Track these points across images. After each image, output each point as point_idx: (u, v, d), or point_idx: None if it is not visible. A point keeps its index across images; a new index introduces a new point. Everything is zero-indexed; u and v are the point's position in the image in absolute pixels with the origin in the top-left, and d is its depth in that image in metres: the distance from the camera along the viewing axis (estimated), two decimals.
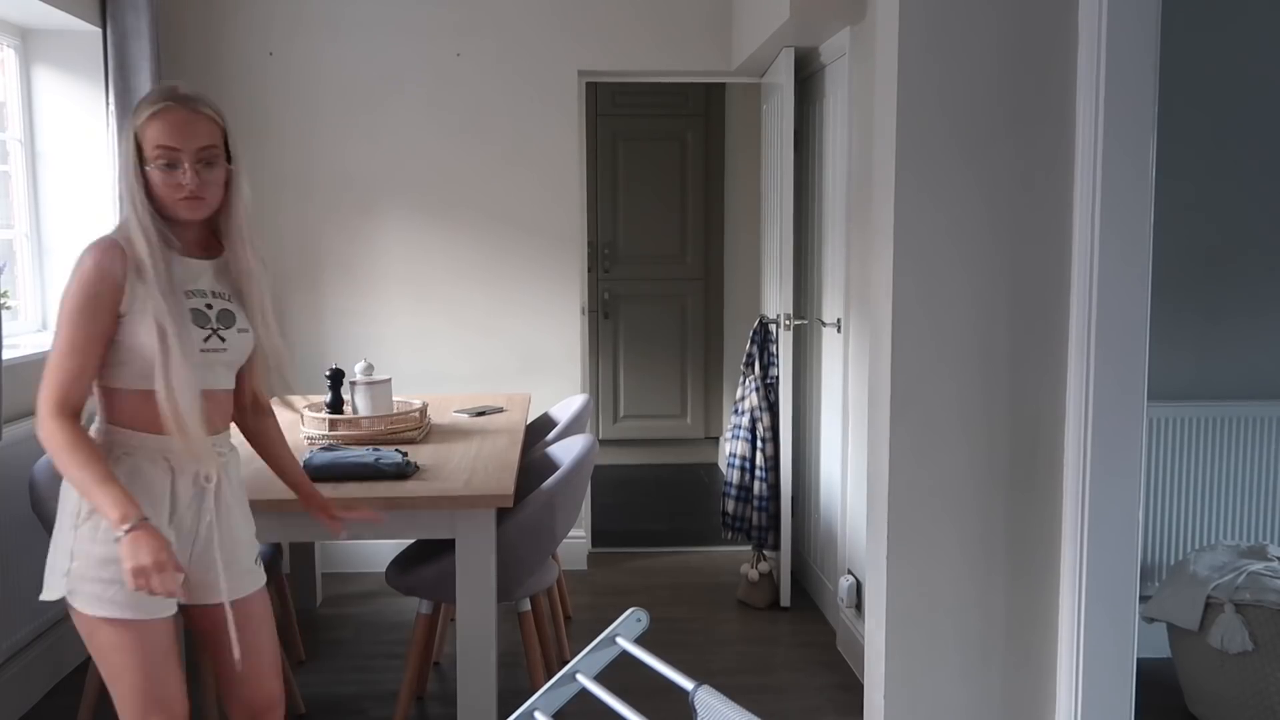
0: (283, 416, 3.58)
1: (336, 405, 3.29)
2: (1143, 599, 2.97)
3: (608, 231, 6.56)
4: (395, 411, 3.27)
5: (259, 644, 2.08)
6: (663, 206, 6.56)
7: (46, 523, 2.77)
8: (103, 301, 1.88)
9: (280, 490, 2.59)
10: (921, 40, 2.29)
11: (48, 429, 1.89)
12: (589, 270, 5.00)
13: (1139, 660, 2.36)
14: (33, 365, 3.41)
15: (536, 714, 1.12)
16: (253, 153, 4.35)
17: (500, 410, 3.67)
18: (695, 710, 1.10)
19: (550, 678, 1.14)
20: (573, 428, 3.59)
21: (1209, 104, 3.41)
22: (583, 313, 4.53)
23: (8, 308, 3.70)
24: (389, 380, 3.30)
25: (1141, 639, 2.41)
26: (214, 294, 2.00)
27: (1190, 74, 3.38)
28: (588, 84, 4.61)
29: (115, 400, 1.95)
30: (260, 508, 2.52)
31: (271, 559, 3.11)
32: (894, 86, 2.31)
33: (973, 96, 2.30)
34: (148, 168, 1.89)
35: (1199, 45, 3.39)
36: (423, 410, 3.30)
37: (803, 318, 4.25)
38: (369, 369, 3.28)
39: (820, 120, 3.99)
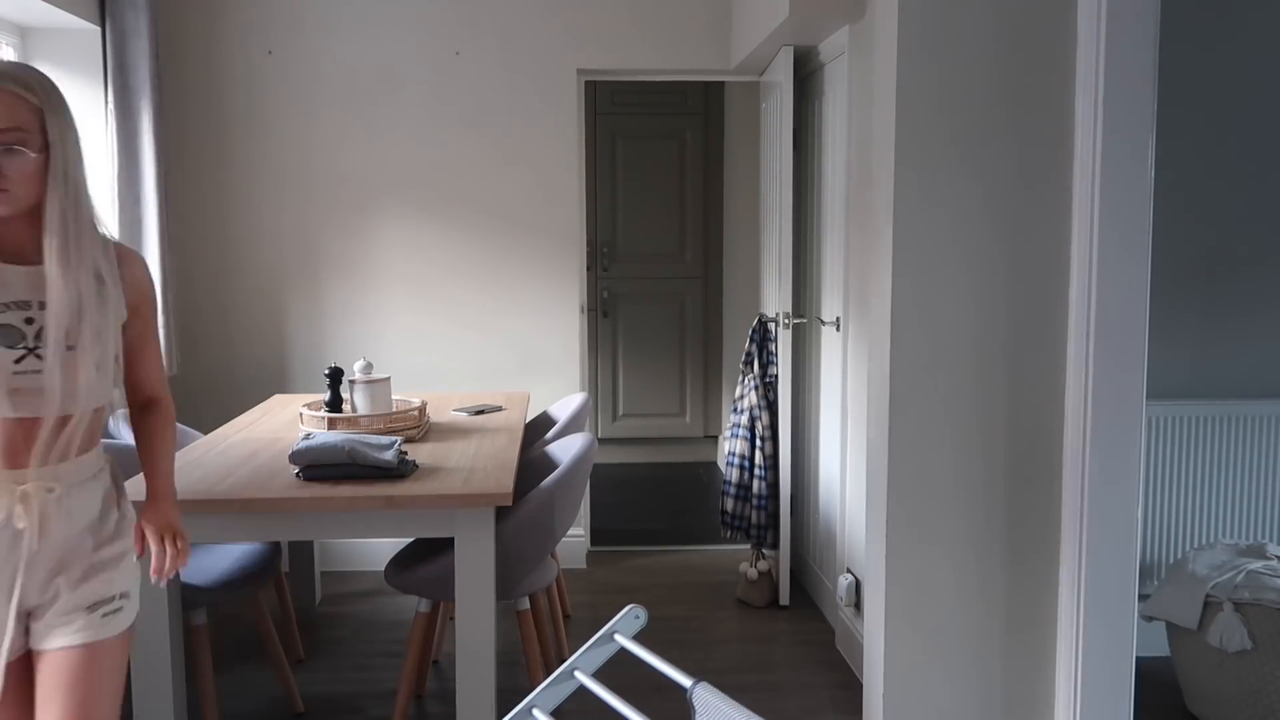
0: (279, 417, 3.60)
1: (335, 404, 3.30)
2: (1142, 597, 2.97)
3: (607, 230, 6.56)
4: (394, 410, 3.27)
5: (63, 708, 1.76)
6: (662, 205, 6.56)
7: None
8: None
9: (278, 489, 2.59)
10: (920, 39, 2.29)
11: None
12: (588, 269, 5.00)
13: (1138, 659, 2.36)
14: None
15: (535, 711, 1.12)
16: (252, 151, 4.36)
17: (499, 409, 3.67)
18: (694, 707, 1.10)
19: (549, 676, 1.14)
20: (572, 426, 3.59)
21: (1208, 103, 3.41)
22: (582, 311, 4.53)
23: None
24: (388, 379, 3.30)
25: (1140, 638, 2.42)
26: (40, 306, 1.71)
27: (1189, 73, 3.38)
28: (587, 83, 4.61)
29: None
30: (259, 506, 2.53)
31: (270, 558, 3.11)
32: (893, 85, 2.31)
33: (972, 95, 2.30)
34: None
35: (1198, 44, 3.39)
36: (422, 409, 3.30)
37: (802, 316, 4.25)
38: (368, 367, 3.28)
39: (819, 119, 3.99)
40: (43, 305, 1.70)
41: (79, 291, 1.71)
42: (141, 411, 2.00)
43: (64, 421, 1.73)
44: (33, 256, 1.72)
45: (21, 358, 1.69)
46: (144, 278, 1.88)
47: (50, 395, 1.71)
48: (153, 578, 1.87)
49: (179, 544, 1.89)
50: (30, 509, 1.71)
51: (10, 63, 1.70)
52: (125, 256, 1.85)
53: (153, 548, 1.87)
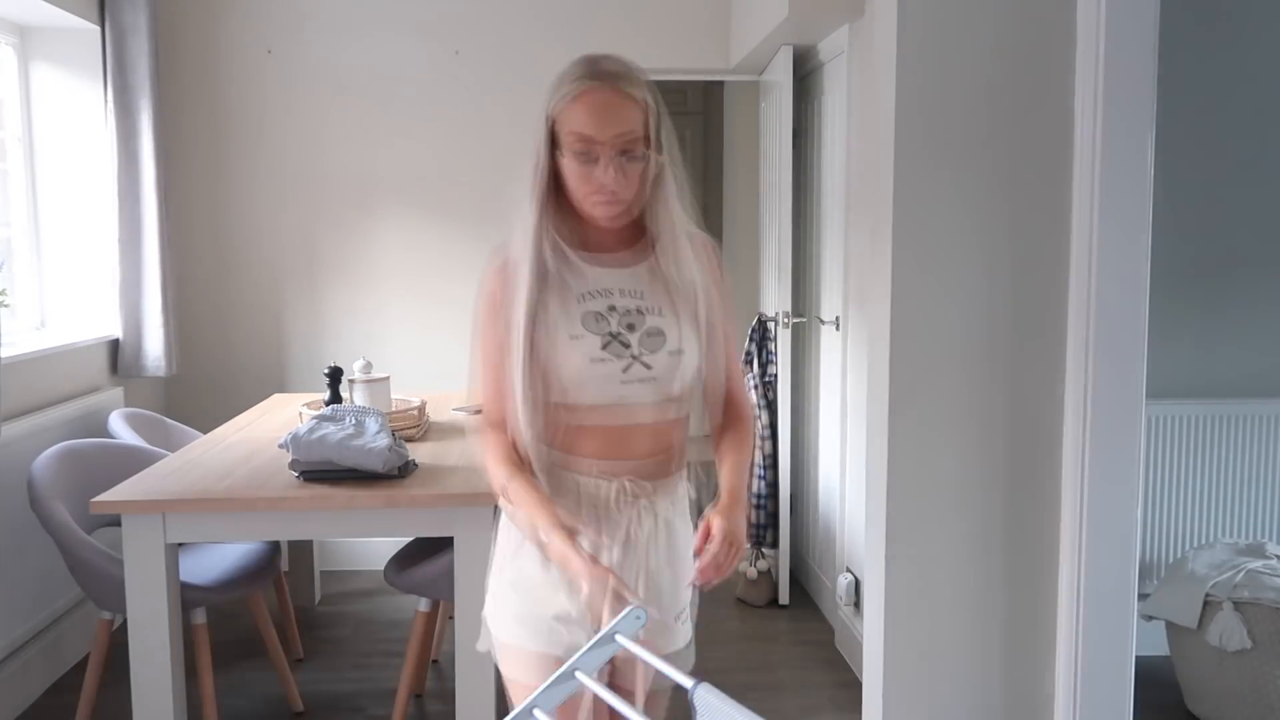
0: (279, 417, 3.59)
1: (335, 403, 3.29)
2: (1141, 597, 2.97)
3: None
4: (394, 409, 3.26)
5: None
6: None
7: (45, 522, 2.77)
8: (491, 307, 1.67)
9: (277, 488, 2.59)
10: (920, 37, 2.29)
11: (480, 444, 1.72)
12: None
13: (1137, 658, 2.36)
14: (31, 363, 3.41)
15: (536, 711, 1.12)
16: (251, 150, 4.36)
17: None
18: (695, 708, 1.09)
19: None
20: None
21: (1208, 100, 3.41)
22: None
23: (6, 305, 3.70)
24: (388, 378, 3.30)
25: (1140, 637, 2.42)
26: (633, 294, 1.68)
27: (1189, 71, 3.38)
28: None
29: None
30: (259, 506, 2.53)
31: (270, 557, 3.11)
32: (892, 84, 2.31)
33: (971, 94, 2.30)
34: (562, 156, 1.62)
35: (1197, 42, 3.39)
36: (421, 408, 3.30)
37: (801, 315, 4.24)
38: (368, 367, 3.28)
39: (819, 118, 3.98)
40: (625, 293, 1.67)
41: (674, 295, 1.68)
42: (725, 414, 1.82)
43: (660, 428, 1.69)
44: (620, 258, 1.69)
45: (606, 344, 1.64)
46: (715, 263, 1.78)
47: (652, 393, 1.66)
48: (699, 579, 1.61)
49: (734, 552, 1.64)
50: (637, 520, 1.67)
51: (611, 58, 1.64)
52: (698, 243, 1.74)
53: (714, 547, 1.60)
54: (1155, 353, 2.35)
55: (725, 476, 1.72)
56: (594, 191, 1.60)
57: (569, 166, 1.60)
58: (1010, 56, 2.29)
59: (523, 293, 1.61)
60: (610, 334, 1.64)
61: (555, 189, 1.64)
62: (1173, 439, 3.46)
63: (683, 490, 1.76)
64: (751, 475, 4.09)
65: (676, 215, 1.66)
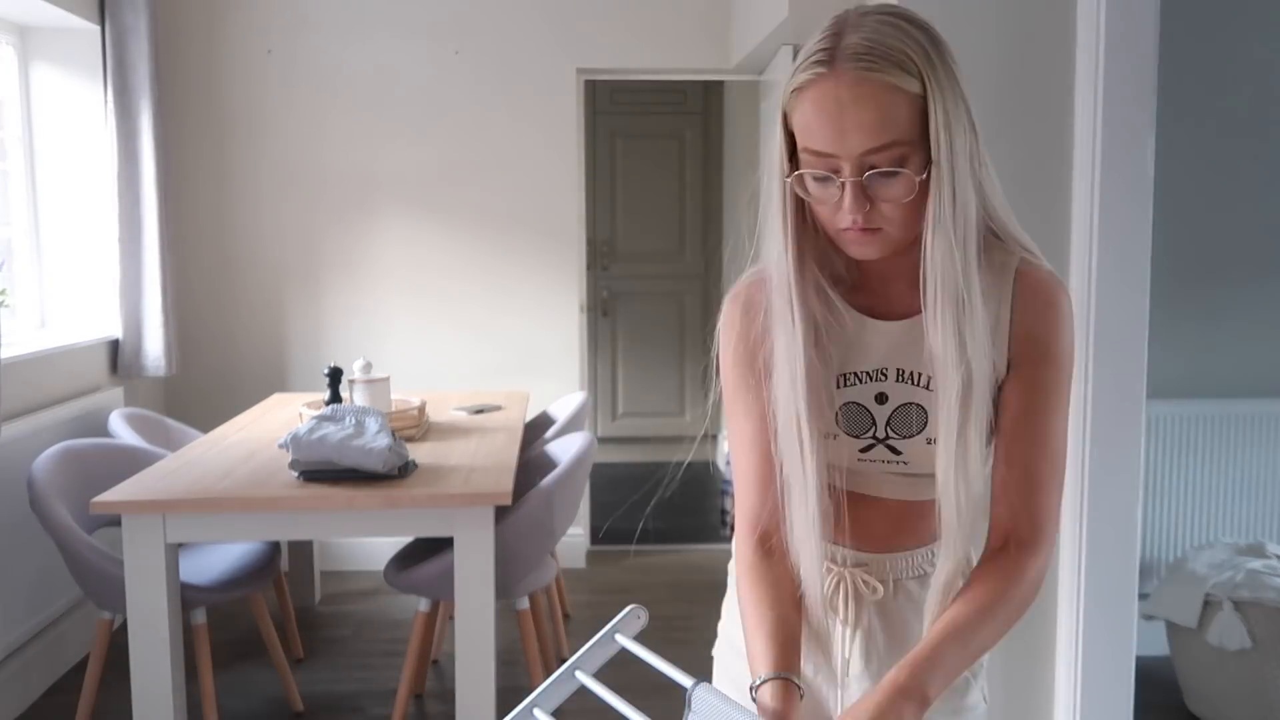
0: (279, 417, 3.58)
1: (335, 403, 3.29)
2: (1141, 596, 2.97)
3: (606, 229, 6.55)
4: (394, 409, 3.26)
5: None
6: (661, 204, 6.56)
7: (45, 522, 2.77)
8: (747, 369, 1.25)
9: (276, 488, 2.59)
10: None
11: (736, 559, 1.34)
12: (587, 268, 4.99)
13: (1137, 658, 2.36)
14: (30, 363, 3.41)
15: (535, 711, 1.12)
16: (251, 151, 4.36)
17: (498, 408, 3.67)
18: (691, 707, 1.09)
19: (549, 676, 1.14)
20: (571, 425, 3.58)
21: (1208, 99, 3.41)
22: (581, 310, 4.53)
23: (6, 305, 3.70)
24: (387, 378, 3.30)
25: (1140, 637, 2.41)
26: (900, 377, 1.22)
27: (1189, 71, 3.37)
28: (586, 82, 4.61)
29: None
30: (259, 506, 2.53)
31: (270, 557, 3.11)
32: None
33: (971, 95, 2.30)
34: (803, 169, 1.13)
35: (1197, 43, 3.38)
36: (421, 408, 3.30)
37: None
38: (367, 367, 3.28)
39: None
40: (903, 376, 1.22)
41: (968, 367, 1.14)
42: (987, 549, 1.26)
43: (910, 507, 1.27)
44: (899, 306, 1.21)
45: (868, 447, 1.24)
46: (1040, 321, 1.20)
47: (910, 482, 1.25)
48: None
49: None
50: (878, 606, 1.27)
51: (868, 20, 1.10)
52: (1027, 286, 1.21)
53: None
54: (1155, 353, 2.35)
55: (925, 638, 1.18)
56: (835, 220, 1.14)
57: (808, 184, 1.13)
58: (1010, 56, 2.29)
59: (795, 364, 1.18)
60: (874, 437, 1.23)
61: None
62: (1173, 439, 3.46)
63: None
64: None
65: (955, 252, 1.12)
